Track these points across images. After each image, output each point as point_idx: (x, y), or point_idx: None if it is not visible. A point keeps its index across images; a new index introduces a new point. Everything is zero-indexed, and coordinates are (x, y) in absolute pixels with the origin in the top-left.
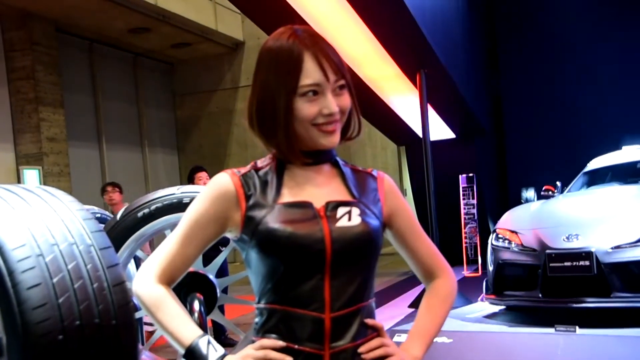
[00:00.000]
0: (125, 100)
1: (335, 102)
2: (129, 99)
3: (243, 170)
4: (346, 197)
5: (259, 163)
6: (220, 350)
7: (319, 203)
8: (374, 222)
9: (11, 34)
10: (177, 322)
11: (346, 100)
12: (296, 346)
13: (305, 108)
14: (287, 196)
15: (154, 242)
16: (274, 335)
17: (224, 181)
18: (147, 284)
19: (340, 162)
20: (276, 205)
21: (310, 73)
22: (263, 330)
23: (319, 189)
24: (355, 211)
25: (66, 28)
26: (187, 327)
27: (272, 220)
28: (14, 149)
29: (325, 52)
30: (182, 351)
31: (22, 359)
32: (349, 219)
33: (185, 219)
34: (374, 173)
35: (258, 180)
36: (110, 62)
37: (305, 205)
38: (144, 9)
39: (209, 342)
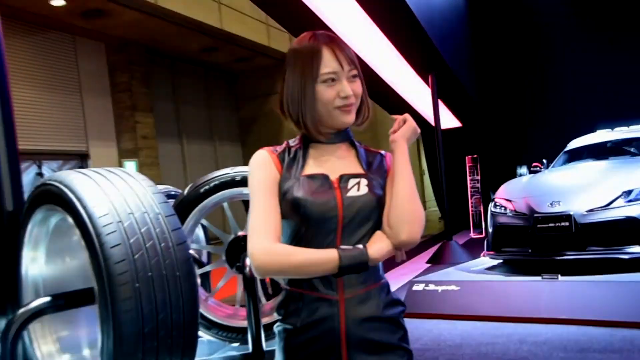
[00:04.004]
0: (199, 105)
1: (350, 88)
2: (202, 104)
3: (279, 148)
4: (357, 170)
5: (291, 142)
6: (360, 245)
7: (334, 176)
8: (379, 191)
9: (113, 57)
10: (315, 252)
11: (359, 87)
12: (316, 294)
13: (326, 92)
14: (309, 169)
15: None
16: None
17: (264, 154)
18: (271, 247)
19: (356, 143)
20: (300, 177)
21: (328, 63)
22: (290, 281)
23: (335, 163)
24: (364, 182)
25: (154, 50)
26: (325, 250)
27: (297, 190)
28: (116, 146)
29: (340, 47)
30: (334, 267)
31: (108, 303)
32: (358, 190)
33: (256, 193)
34: (382, 153)
35: (288, 157)
36: (187, 75)
37: (323, 177)
38: (212, 32)
39: (349, 245)
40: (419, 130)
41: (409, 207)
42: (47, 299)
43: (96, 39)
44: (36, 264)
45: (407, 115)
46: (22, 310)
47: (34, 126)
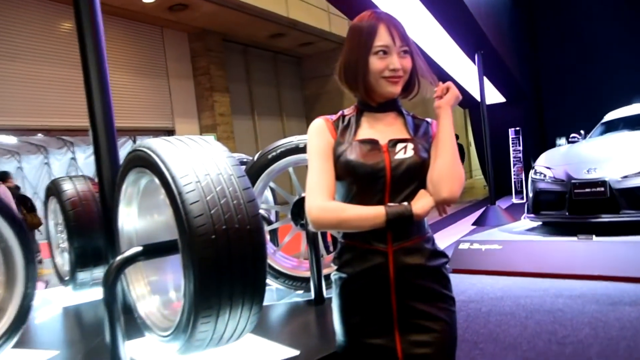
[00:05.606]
0: (268, 85)
1: (399, 62)
2: (271, 84)
3: (334, 117)
4: (405, 135)
5: (345, 112)
6: (405, 203)
7: (383, 140)
8: (424, 154)
9: (194, 44)
10: (364, 208)
11: (408, 62)
12: (367, 246)
13: (377, 63)
14: (361, 135)
15: None
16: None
17: (320, 122)
18: (325, 204)
19: (404, 112)
20: (353, 142)
21: (382, 37)
22: (344, 234)
23: (385, 130)
24: (410, 146)
25: (229, 38)
26: (373, 207)
27: (349, 153)
28: (198, 122)
29: (395, 24)
30: (381, 222)
31: (189, 252)
32: (405, 152)
33: (313, 157)
34: (429, 120)
35: (342, 124)
36: (258, 59)
37: (373, 142)
38: (279, 20)
39: (396, 203)
40: (460, 97)
41: (450, 167)
42: (139, 248)
43: (180, 30)
44: (130, 219)
45: (449, 83)
46: (119, 257)
47: (129, 106)
